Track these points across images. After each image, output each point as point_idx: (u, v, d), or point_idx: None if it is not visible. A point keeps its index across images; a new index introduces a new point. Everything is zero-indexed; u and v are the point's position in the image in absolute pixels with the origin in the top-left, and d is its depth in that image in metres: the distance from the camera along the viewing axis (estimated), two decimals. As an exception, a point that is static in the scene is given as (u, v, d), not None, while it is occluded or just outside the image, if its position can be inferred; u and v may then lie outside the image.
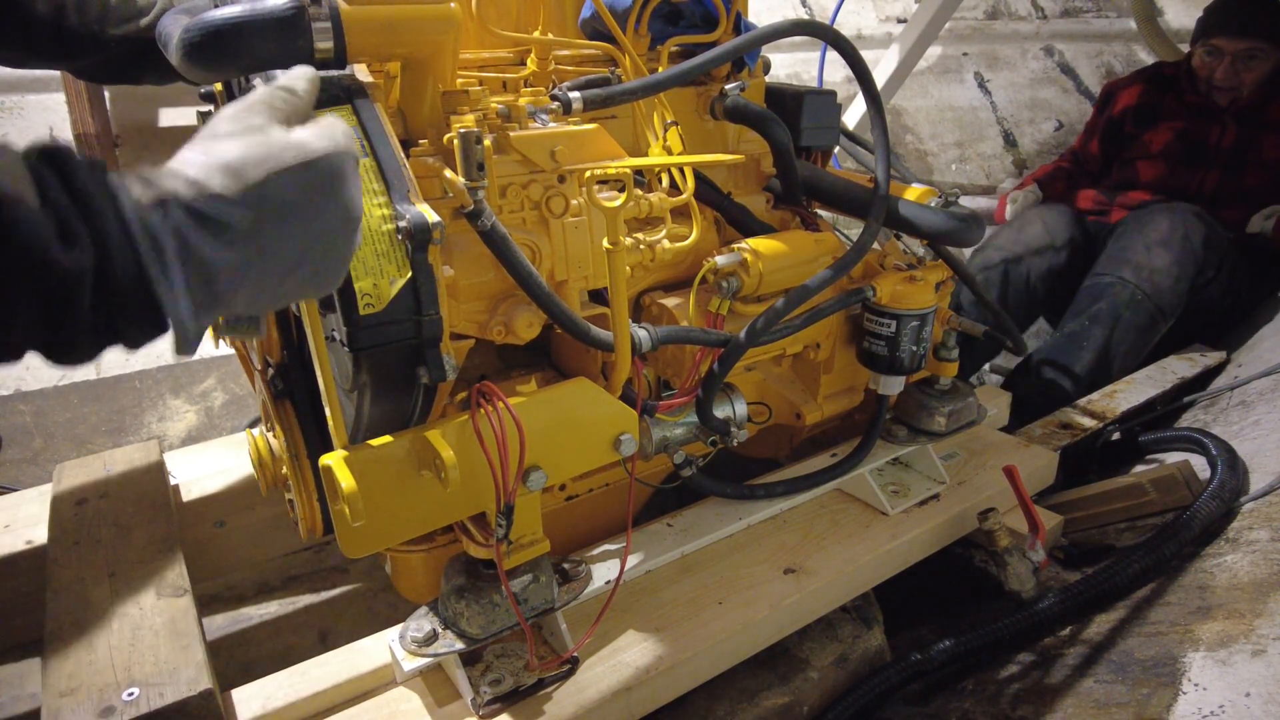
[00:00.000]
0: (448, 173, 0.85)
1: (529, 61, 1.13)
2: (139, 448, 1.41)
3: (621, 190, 0.88)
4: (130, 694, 0.87)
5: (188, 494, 1.39)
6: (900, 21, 3.97)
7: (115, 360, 2.13)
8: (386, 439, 0.83)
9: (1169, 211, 2.22)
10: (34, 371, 2.03)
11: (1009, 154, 3.92)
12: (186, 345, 0.56)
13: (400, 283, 0.76)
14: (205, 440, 1.72)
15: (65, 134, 2.19)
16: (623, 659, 0.99)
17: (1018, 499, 1.24)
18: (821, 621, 1.19)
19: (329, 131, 0.64)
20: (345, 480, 0.77)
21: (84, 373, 2.10)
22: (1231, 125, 2.33)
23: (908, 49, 2.73)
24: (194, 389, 2.20)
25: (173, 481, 1.37)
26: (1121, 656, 1.16)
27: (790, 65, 3.59)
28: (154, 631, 0.97)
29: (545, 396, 0.91)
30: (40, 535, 1.24)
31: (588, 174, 0.90)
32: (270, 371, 1.07)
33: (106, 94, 1.93)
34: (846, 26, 3.75)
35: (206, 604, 1.48)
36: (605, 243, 0.89)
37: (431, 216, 0.76)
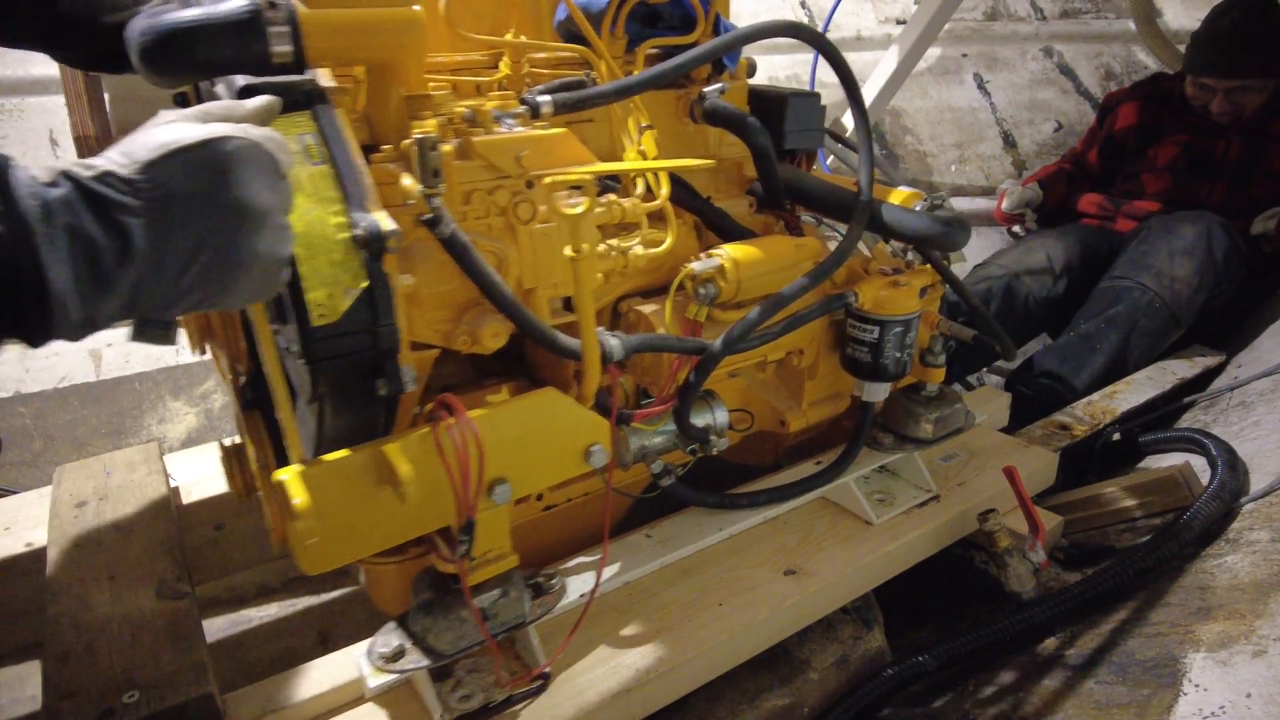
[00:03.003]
0: (405, 179, 0.82)
1: (501, 64, 1.10)
2: (139, 450, 1.41)
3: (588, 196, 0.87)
4: (130, 697, 0.87)
5: (188, 496, 1.39)
6: (899, 23, 3.97)
7: (115, 362, 2.13)
8: (344, 453, 0.80)
9: (1195, 220, 2.21)
10: (34, 374, 2.03)
11: (1008, 155, 3.92)
12: (66, 324, 0.55)
13: (355, 293, 0.74)
14: (205, 442, 1.73)
15: (65, 136, 2.19)
16: (623, 661, 0.99)
17: (1018, 500, 1.24)
18: (822, 623, 1.19)
19: (241, 126, 0.64)
20: (298, 495, 0.75)
21: (84, 374, 2.09)
22: (1236, 140, 2.33)
23: (907, 50, 2.73)
24: (194, 391, 2.19)
25: (173, 484, 1.37)
26: (1122, 657, 1.16)
27: (790, 66, 3.58)
28: (154, 634, 0.97)
29: (512, 407, 0.88)
30: (40, 538, 1.24)
31: (548, 180, 0.88)
32: (241, 380, 1.06)
33: (106, 96, 1.93)
34: (845, 28, 3.75)
35: (206, 606, 1.47)
36: (568, 249, 0.87)
37: (387, 224, 0.73)
